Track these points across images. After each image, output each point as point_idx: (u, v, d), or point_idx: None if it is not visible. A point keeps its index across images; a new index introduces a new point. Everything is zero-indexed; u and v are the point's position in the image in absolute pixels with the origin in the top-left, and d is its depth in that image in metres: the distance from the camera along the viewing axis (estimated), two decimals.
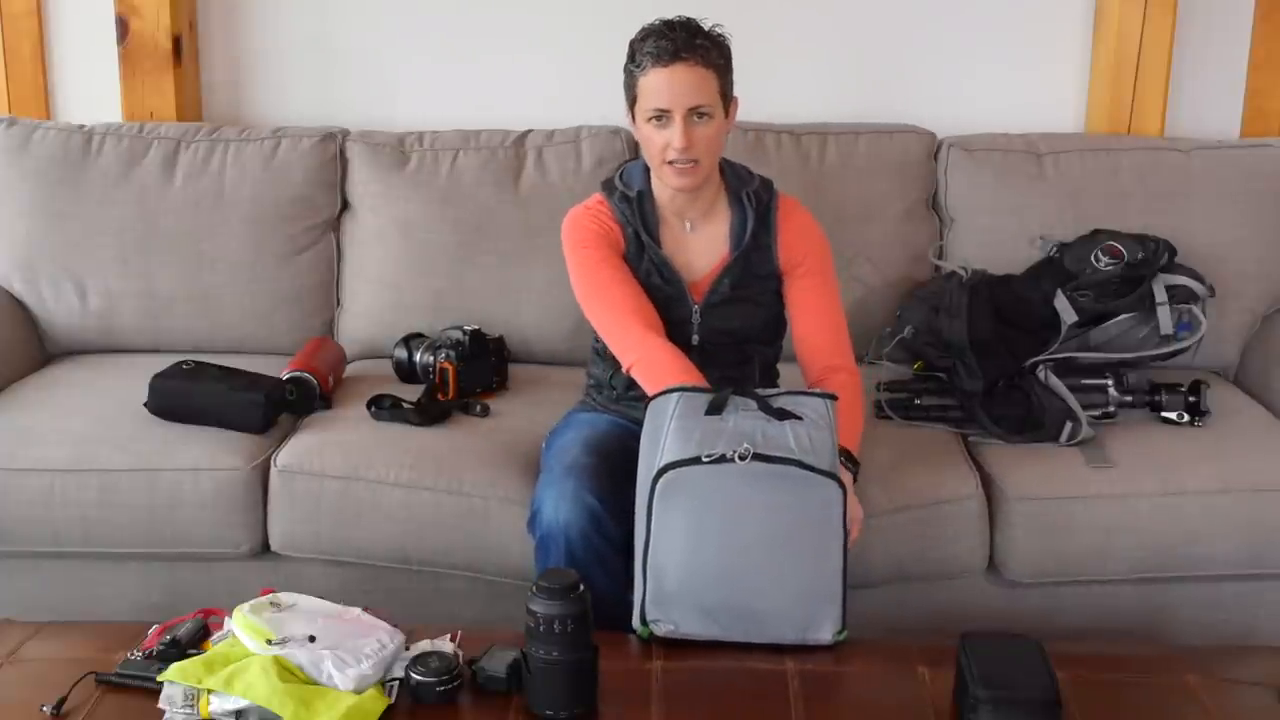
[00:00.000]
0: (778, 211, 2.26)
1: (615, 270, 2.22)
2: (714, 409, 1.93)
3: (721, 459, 1.86)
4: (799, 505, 1.88)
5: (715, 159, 2.20)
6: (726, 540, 1.87)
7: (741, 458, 1.85)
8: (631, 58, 2.14)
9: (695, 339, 2.25)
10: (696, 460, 1.86)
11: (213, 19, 3.13)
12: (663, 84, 2.08)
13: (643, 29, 2.14)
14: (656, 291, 2.23)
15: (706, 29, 2.12)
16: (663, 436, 1.91)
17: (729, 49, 2.14)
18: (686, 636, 1.88)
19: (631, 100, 2.16)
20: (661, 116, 2.10)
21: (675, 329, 2.23)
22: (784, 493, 1.87)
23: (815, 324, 2.26)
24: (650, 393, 2.07)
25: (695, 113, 2.09)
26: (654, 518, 1.88)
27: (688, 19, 2.12)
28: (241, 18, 3.13)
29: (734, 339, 2.27)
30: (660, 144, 2.12)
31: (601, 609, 1.74)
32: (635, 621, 1.91)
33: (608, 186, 2.29)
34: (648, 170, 2.25)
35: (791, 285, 2.27)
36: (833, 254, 2.31)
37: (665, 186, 2.20)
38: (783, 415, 1.92)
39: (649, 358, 2.15)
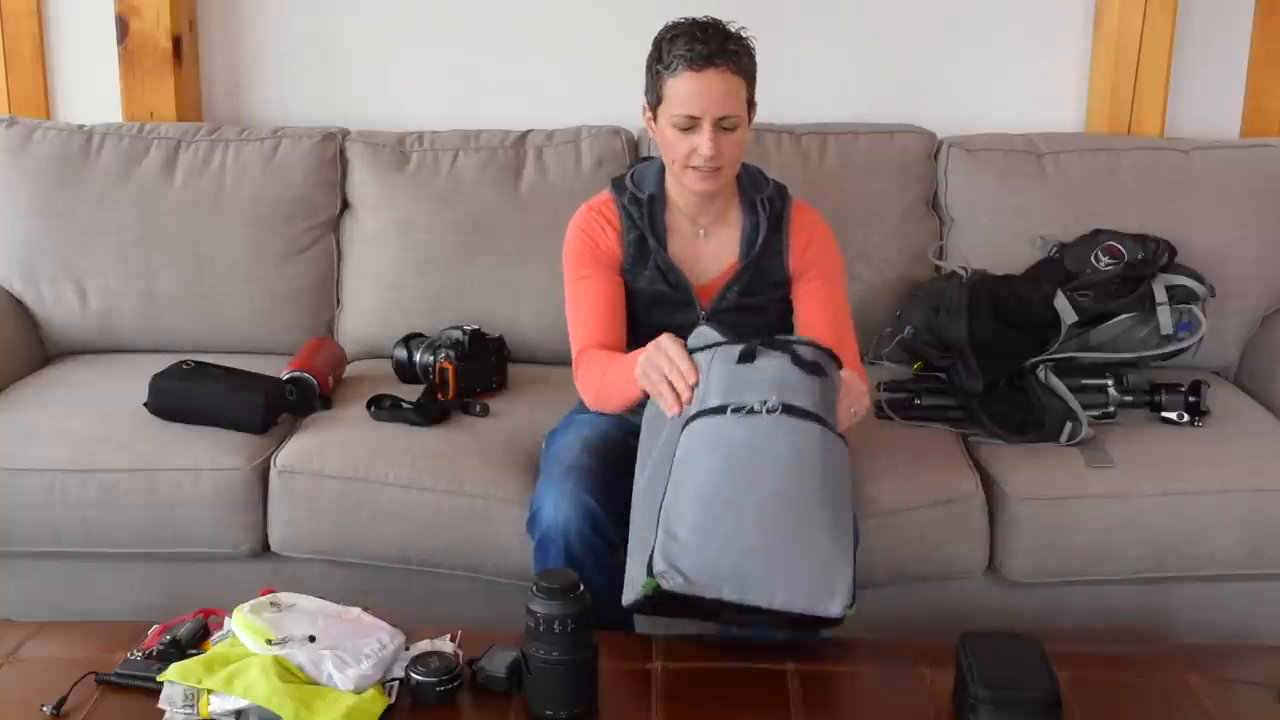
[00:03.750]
0: (791, 218, 2.23)
1: (591, 291, 2.20)
2: (745, 357, 1.87)
3: (750, 411, 1.81)
4: (819, 456, 1.82)
5: (738, 165, 2.17)
6: (744, 493, 1.79)
7: (770, 410, 1.80)
8: (659, 57, 2.07)
9: None
10: (722, 410, 1.82)
11: (213, 19, 3.13)
12: (694, 90, 2.03)
13: (671, 27, 2.08)
14: (662, 297, 2.21)
15: (734, 31, 2.06)
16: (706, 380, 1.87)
17: (755, 54, 2.10)
18: (693, 593, 1.74)
19: (655, 100, 2.10)
20: (689, 122, 2.05)
21: (680, 334, 2.18)
22: (807, 440, 1.82)
23: (819, 328, 2.21)
24: (585, 387, 2.14)
25: (723, 121, 2.05)
26: (676, 464, 1.82)
27: (716, 20, 2.06)
28: (241, 18, 3.13)
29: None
30: (685, 149, 2.08)
31: (600, 609, 1.73)
32: (639, 575, 1.79)
33: (618, 185, 2.25)
34: (661, 172, 2.22)
35: (798, 288, 2.25)
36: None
37: (683, 189, 2.18)
38: (813, 370, 1.87)
39: (591, 358, 2.17)
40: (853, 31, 3.10)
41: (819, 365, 1.90)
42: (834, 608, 1.76)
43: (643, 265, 2.21)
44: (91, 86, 3.11)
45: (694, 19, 2.07)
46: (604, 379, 2.14)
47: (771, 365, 1.87)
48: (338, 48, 3.13)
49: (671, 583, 1.75)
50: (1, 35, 3.09)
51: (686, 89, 2.03)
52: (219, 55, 3.15)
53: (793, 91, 2.99)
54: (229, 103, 3.17)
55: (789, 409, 1.82)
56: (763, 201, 2.20)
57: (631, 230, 2.20)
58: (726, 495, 1.79)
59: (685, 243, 2.23)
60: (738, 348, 1.89)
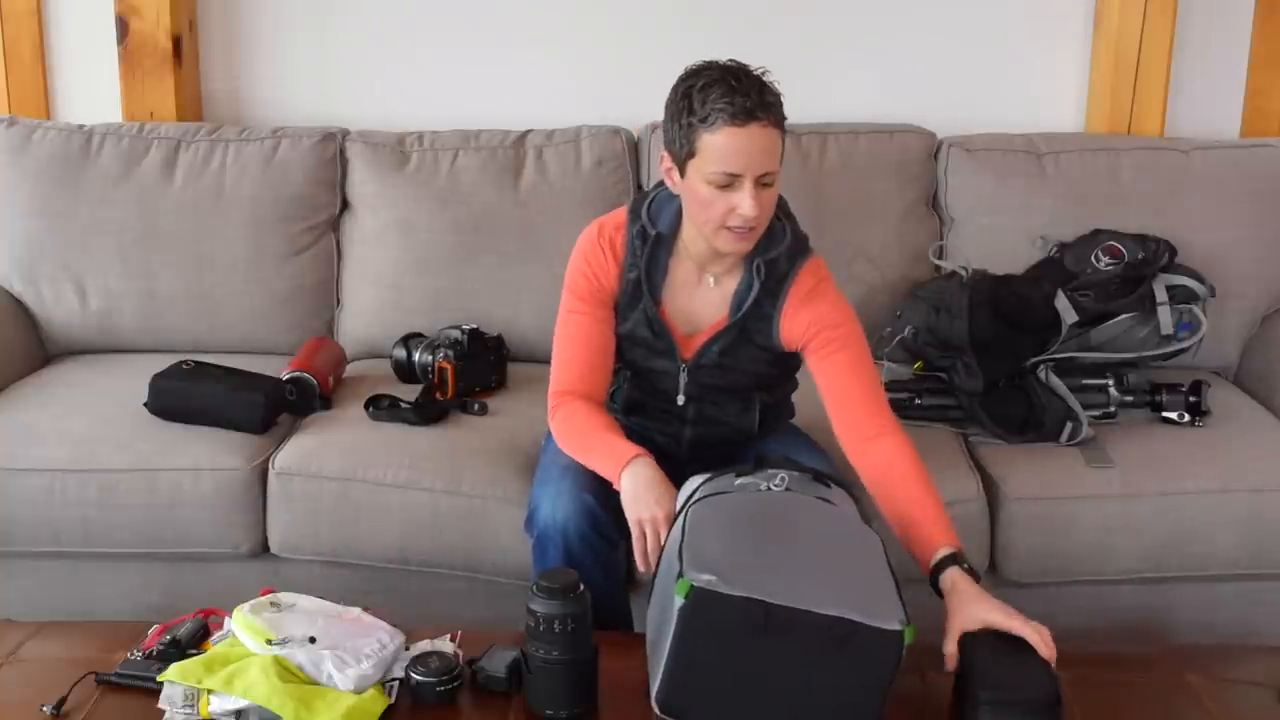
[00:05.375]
0: (792, 285, 2.05)
1: (581, 330, 2.12)
2: (744, 473, 1.87)
3: (756, 490, 1.82)
4: (839, 511, 1.85)
5: (769, 220, 2.00)
6: (768, 534, 1.74)
7: (776, 486, 1.82)
8: (690, 109, 1.88)
9: (681, 399, 2.16)
10: (725, 491, 1.82)
11: (213, 19, 3.13)
12: (738, 147, 1.86)
13: (694, 74, 1.91)
14: (644, 343, 2.13)
15: (765, 80, 1.91)
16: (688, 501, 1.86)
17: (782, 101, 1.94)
18: (731, 593, 1.60)
19: (686, 155, 1.91)
20: (729, 180, 1.89)
21: (662, 379, 2.16)
22: (824, 504, 1.84)
23: (846, 395, 2.07)
24: (564, 439, 2.10)
25: (764, 178, 1.90)
26: (689, 524, 1.76)
27: (742, 65, 1.91)
28: (241, 18, 3.13)
29: (728, 392, 2.19)
30: (723, 209, 1.90)
31: (599, 608, 1.73)
32: (660, 664, 1.67)
33: (635, 211, 2.09)
34: (680, 210, 2.04)
35: (811, 358, 2.08)
36: (833, 273, 2.14)
37: (700, 241, 2.01)
38: (816, 476, 1.89)
39: (570, 411, 2.11)
40: (853, 32, 3.10)
41: (822, 476, 1.90)
42: (890, 622, 1.62)
43: (634, 306, 2.10)
44: (91, 86, 3.11)
45: (718, 64, 1.91)
46: (584, 454, 2.08)
47: (773, 470, 1.87)
48: (338, 48, 3.13)
49: (704, 580, 1.60)
50: (1, 35, 3.09)
51: (727, 145, 1.86)
52: (219, 55, 3.15)
53: (793, 91, 2.98)
54: (229, 103, 3.17)
55: (795, 490, 1.82)
56: (759, 266, 2.03)
57: (632, 269, 2.08)
58: (749, 534, 1.73)
59: (684, 290, 2.10)
60: (733, 470, 1.89)
